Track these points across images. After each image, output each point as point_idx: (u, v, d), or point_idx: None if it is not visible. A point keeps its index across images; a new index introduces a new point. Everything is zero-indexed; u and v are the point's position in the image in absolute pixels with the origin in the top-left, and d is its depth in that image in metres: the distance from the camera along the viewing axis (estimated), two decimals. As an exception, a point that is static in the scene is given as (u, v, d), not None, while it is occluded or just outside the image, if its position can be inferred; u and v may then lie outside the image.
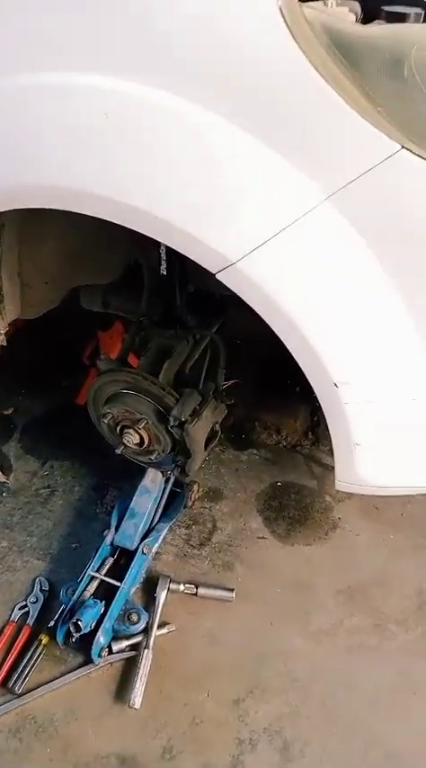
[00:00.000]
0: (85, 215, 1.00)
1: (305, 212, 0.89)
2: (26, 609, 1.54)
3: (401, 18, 0.96)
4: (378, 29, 0.91)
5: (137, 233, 1.00)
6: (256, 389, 2.03)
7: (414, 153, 0.83)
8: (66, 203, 1.01)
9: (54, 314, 1.63)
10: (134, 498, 1.63)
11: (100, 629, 1.42)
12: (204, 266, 0.97)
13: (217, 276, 0.96)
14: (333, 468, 1.21)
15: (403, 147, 0.83)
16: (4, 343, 1.56)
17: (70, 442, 1.93)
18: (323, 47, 0.79)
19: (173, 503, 1.73)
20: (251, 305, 0.97)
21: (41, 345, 2.11)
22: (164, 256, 1.34)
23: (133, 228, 0.99)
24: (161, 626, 1.50)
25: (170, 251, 1.32)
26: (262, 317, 0.98)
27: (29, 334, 1.99)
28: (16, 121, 0.92)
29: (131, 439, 1.45)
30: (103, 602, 1.46)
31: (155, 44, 0.84)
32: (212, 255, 0.94)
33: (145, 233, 0.99)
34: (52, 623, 1.47)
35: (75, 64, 0.89)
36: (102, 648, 1.43)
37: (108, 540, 1.59)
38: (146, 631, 1.48)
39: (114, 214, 0.98)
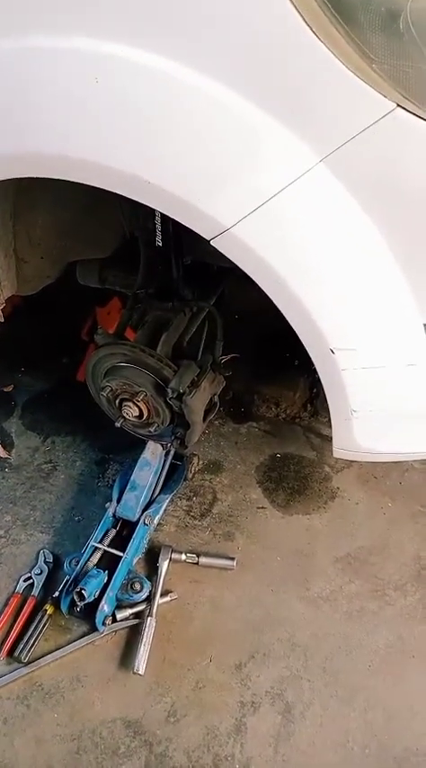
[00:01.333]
0: (79, 188, 0.99)
1: (299, 175, 0.87)
2: (31, 581, 1.56)
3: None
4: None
5: (132, 203, 0.99)
6: (255, 363, 2.03)
7: (410, 111, 0.81)
8: (58, 171, 0.99)
9: (51, 290, 1.63)
10: (135, 471, 1.64)
11: (104, 598, 1.45)
12: (199, 233, 0.96)
13: (212, 243, 0.95)
14: (332, 438, 1.22)
15: (398, 105, 0.81)
16: (2, 320, 1.56)
17: (71, 417, 1.94)
18: (315, 0, 0.77)
19: (173, 475, 1.74)
20: (246, 271, 0.97)
21: (40, 322, 2.11)
22: (159, 227, 1.32)
23: (127, 196, 0.98)
24: (163, 594, 1.52)
25: (165, 221, 1.31)
26: (258, 283, 0.98)
27: (27, 311, 1.99)
28: (5, 86, 0.91)
29: (130, 412, 1.46)
30: (107, 572, 1.49)
31: (144, 4, 0.82)
32: (206, 222, 0.94)
33: (139, 200, 0.98)
34: (57, 593, 1.50)
35: (65, 26, 0.87)
36: (106, 617, 1.46)
37: (110, 511, 1.61)
38: (149, 600, 1.50)
39: (107, 181, 0.97)
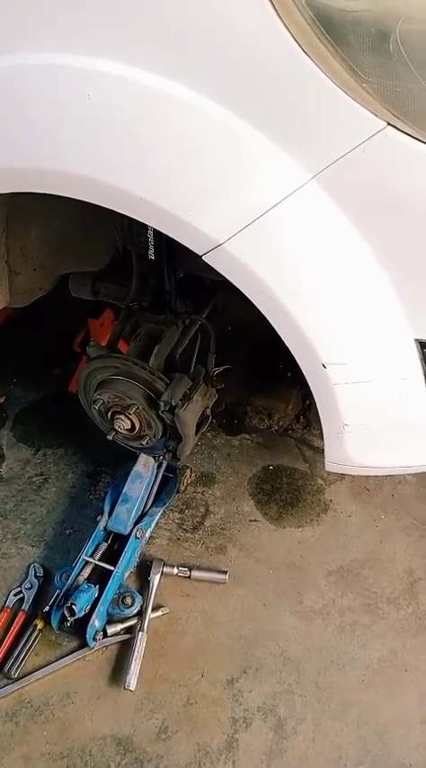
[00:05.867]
0: (72, 200, 0.99)
1: (290, 192, 0.88)
2: (21, 595, 1.54)
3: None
4: (363, 0, 0.90)
5: (125, 218, 0.99)
6: (248, 374, 2.03)
7: (400, 130, 0.82)
8: (52, 187, 1.00)
9: (44, 302, 1.63)
10: (126, 484, 1.63)
11: (94, 613, 1.43)
12: (191, 248, 0.96)
13: (204, 258, 0.96)
14: (324, 451, 1.22)
15: (388, 124, 0.82)
16: (-6, 331, 1.56)
17: (62, 429, 1.93)
18: (306, 20, 0.78)
19: (165, 488, 1.73)
20: (238, 286, 0.97)
21: (32, 334, 2.10)
22: (151, 241, 1.33)
23: (119, 211, 0.98)
24: (155, 609, 1.51)
25: (157, 236, 1.31)
26: (249, 297, 0.98)
27: (19, 323, 1.99)
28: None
29: (122, 424, 1.46)
30: (97, 586, 1.47)
31: (137, 22, 0.83)
32: (198, 237, 0.94)
33: (131, 215, 0.98)
34: (47, 608, 1.48)
35: (58, 43, 0.88)
36: (96, 632, 1.44)
37: (101, 525, 1.60)
38: (141, 614, 1.49)
39: (100, 197, 0.97)
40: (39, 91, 0.91)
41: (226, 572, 1.59)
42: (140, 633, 1.45)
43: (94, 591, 1.46)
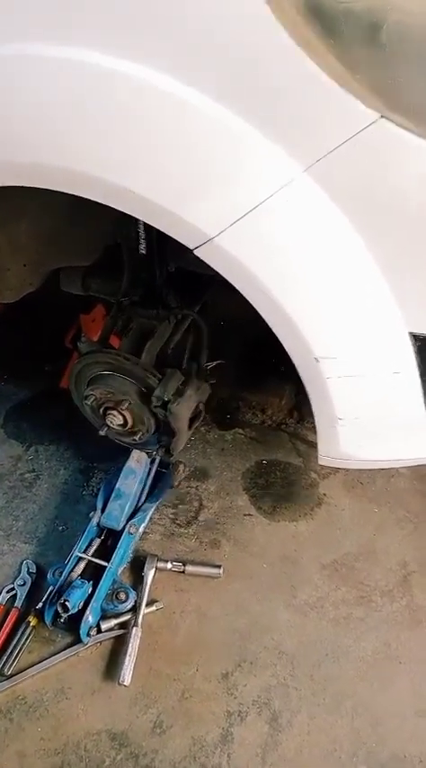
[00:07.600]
0: (62, 194, 0.98)
1: (282, 185, 0.87)
2: (14, 592, 1.54)
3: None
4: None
5: (116, 212, 0.98)
6: (240, 369, 2.03)
7: (394, 122, 0.82)
8: (44, 181, 0.99)
9: (35, 297, 1.61)
10: (119, 479, 1.63)
11: (88, 609, 1.43)
12: (182, 242, 0.96)
13: (196, 252, 0.95)
14: (317, 444, 1.22)
15: (382, 116, 0.81)
16: (-16, 327, 1.54)
17: (54, 425, 1.92)
18: (296, 11, 0.77)
19: (159, 483, 1.73)
20: (230, 280, 0.97)
21: (23, 329, 2.09)
22: (142, 235, 1.32)
23: (110, 205, 0.97)
24: (149, 604, 1.51)
25: (148, 230, 1.30)
26: (242, 292, 0.97)
27: (9, 319, 1.97)
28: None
29: (114, 420, 1.45)
30: (91, 582, 1.47)
31: (122, 12, 0.82)
32: (190, 231, 0.93)
33: (121, 209, 0.97)
34: (40, 605, 1.48)
35: (43, 35, 0.86)
36: (90, 628, 1.44)
37: (94, 521, 1.59)
38: (135, 609, 1.49)
39: (90, 190, 0.96)
40: (31, 83, 0.89)
41: (220, 566, 1.59)
42: (134, 628, 1.45)
43: (88, 587, 1.46)
